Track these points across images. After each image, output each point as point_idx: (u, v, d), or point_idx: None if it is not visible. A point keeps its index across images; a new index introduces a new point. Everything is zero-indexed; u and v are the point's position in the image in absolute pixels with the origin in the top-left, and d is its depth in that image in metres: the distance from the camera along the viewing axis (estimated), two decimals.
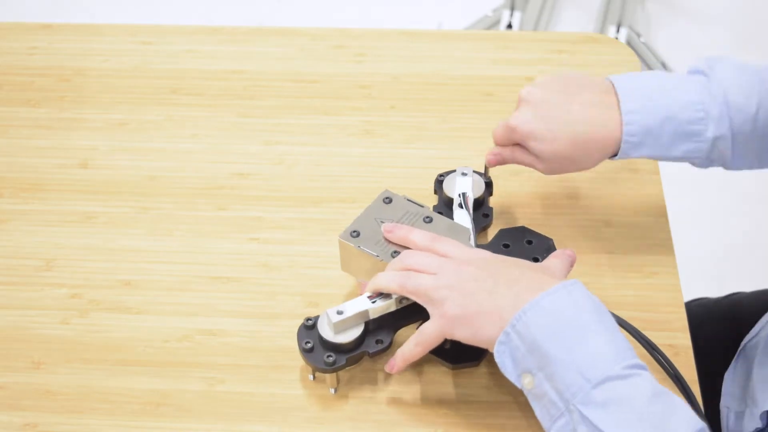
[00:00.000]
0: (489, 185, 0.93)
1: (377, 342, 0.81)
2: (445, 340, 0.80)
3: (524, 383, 0.73)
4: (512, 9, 2.37)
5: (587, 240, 0.94)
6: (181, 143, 1.05)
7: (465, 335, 0.76)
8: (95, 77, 1.13)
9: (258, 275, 0.92)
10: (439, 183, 0.93)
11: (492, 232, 0.91)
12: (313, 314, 0.87)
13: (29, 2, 2.57)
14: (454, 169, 0.93)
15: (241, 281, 0.91)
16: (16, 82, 1.12)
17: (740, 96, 0.85)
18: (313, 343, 0.80)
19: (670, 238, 0.94)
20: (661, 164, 1.01)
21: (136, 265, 0.93)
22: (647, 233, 0.94)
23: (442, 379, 0.84)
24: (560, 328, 0.72)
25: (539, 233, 0.89)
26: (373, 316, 0.81)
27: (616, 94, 0.86)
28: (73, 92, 1.11)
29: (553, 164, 0.88)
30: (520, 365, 0.73)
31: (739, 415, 0.93)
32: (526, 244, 0.88)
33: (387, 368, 0.80)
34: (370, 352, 0.80)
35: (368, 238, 0.84)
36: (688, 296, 0.93)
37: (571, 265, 0.83)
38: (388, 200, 0.87)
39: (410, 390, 0.83)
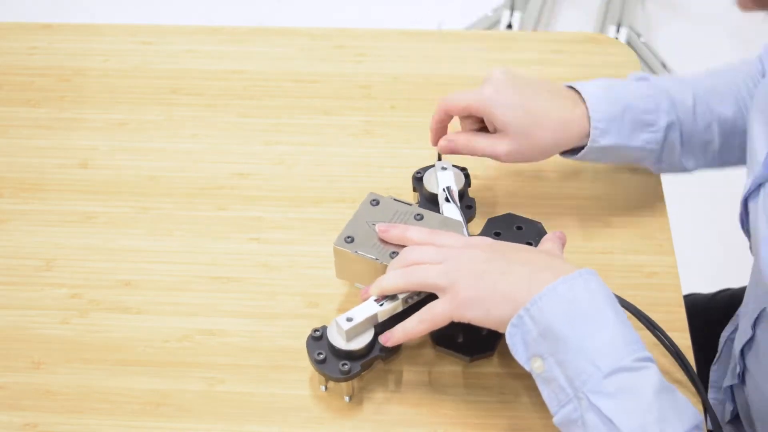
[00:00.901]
0: (467, 177, 0.93)
1: (379, 337, 0.80)
2: (458, 333, 0.80)
3: (534, 367, 0.73)
4: (512, 9, 2.37)
5: (587, 240, 0.94)
6: (181, 143, 1.05)
7: (477, 316, 0.75)
8: (95, 77, 1.13)
9: (258, 275, 0.92)
10: (418, 180, 0.93)
11: (477, 224, 0.91)
12: (313, 314, 0.87)
13: (29, 2, 2.57)
14: (429, 165, 0.93)
15: (241, 281, 0.91)
16: (16, 82, 1.12)
17: (678, 92, 0.92)
18: (325, 354, 0.79)
19: (670, 238, 0.94)
20: None
21: (136, 265, 0.93)
22: (647, 233, 0.94)
23: (442, 379, 0.84)
24: (575, 316, 0.72)
25: (527, 218, 0.89)
26: (381, 319, 0.80)
27: (575, 90, 0.90)
28: (73, 92, 1.11)
29: (518, 141, 0.88)
30: (530, 349, 0.73)
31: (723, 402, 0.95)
32: (516, 230, 0.88)
33: (382, 339, 0.79)
34: (383, 356, 0.80)
35: (363, 242, 0.84)
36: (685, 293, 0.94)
37: (563, 246, 0.83)
38: (375, 202, 0.87)
39: (410, 390, 0.83)
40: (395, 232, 0.84)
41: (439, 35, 1.19)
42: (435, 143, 0.92)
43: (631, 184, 0.99)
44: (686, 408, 0.71)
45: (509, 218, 0.89)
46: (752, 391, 0.89)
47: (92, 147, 1.04)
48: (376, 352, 0.80)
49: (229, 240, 0.95)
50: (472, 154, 0.91)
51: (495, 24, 2.38)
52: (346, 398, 0.81)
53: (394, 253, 0.83)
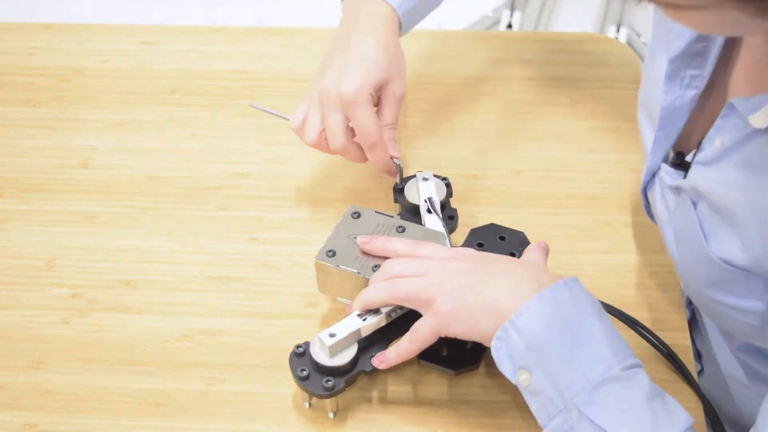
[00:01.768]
0: (448, 186, 0.92)
1: (372, 359, 0.79)
2: (443, 347, 0.80)
3: (520, 380, 0.73)
4: (512, 9, 2.37)
5: (587, 240, 0.94)
6: (181, 143, 1.05)
7: (461, 330, 0.75)
8: (95, 77, 1.13)
9: (258, 275, 0.92)
10: (399, 191, 0.92)
11: (460, 234, 0.90)
12: (313, 314, 0.87)
13: (29, 2, 2.57)
14: (410, 175, 0.93)
15: (241, 281, 0.91)
16: (16, 82, 1.12)
17: None
18: (308, 371, 0.78)
19: None
20: None
21: (136, 265, 0.93)
22: (647, 233, 0.94)
23: (440, 380, 0.83)
24: (562, 327, 0.72)
25: (509, 228, 0.88)
26: (365, 333, 0.80)
27: None
28: (73, 92, 1.11)
29: (396, 74, 0.92)
30: (517, 361, 0.72)
31: None
32: (499, 240, 0.88)
33: (375, 362, 0.79)
34: (367, 371, 0.79)
35: (345, 256, 0.84)
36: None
37: (547, 256, 0.83)
38: (356, 215, 0.87)
39: (409, 390, 0.83)
40: (377, 243, 0.83)
41: (439, 35, 1.19)
42: None
43: (631, 184, 0.99)
44: (678, 411, 0.71)
45: (492, 228, 0.88)
46: (710, 384, 0.90)
47: (92, 147, 1.04)
48: (360, 367, 0.79)
49: (229, 240, 0.95)
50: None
51: (495, 24, 2.38)
52: (331, 414, 0.80)
53: (376, 266, 0.82)
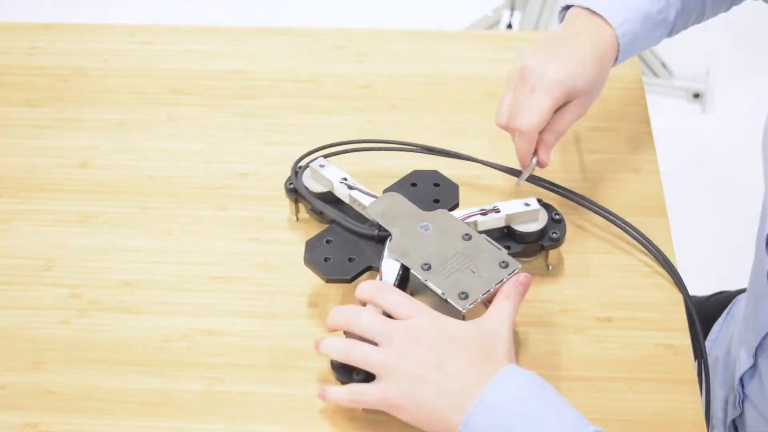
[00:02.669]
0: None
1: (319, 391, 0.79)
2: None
3: None
4: (512, 9, 2.36)
5: (587, 240, 0.94)
6: (181, 143, 1.05)
7: (406, 419, 0.75)
8: (95, 77, 1.13)
9: (258, 275, 0.92)
10: (292, 190, 0.93)
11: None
12: (313, 314, 0.88)
13: (29, 2, 2.57)
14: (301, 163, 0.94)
15: (241, 281, 0.91)
16: (16, 82, 1.12)
17: None
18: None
19: (670, 238, 0.94)
20: (661, 164, 1.01)
21: (136, 265, 0.93)
22: (647, 233, 0.94)
23: None
24: (510, 423, 0.71)
25: (449, 179, 0.92)
26: None
27: (599, 17, 0.92)
28: (73, 92, 1.11)
29: (591, 96, 0.91)
30: None
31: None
32: (434, 186, 0.91)
33: (318, 393, 0.79)
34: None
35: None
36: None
37: (521, 296, 0.80)
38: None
39: None
40: (341, 317, 0.79)
41: (439, 35, 1.19)
42: None
43: (631, 184, 0.99)
44: None
45: (432, 174, 0.93)
46: (754, 422, 0.88)
47: (92, 147, 1.04)
48: None
49: (229, 240, 0.95)
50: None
51: (495, 24, 2.38)
52: None
53: None
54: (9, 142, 1.05)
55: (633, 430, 0.79)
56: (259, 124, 1.06)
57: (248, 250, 0.94)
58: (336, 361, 0.79)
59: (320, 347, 0.79)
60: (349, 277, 0.84)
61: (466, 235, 0.84)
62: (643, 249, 0.92)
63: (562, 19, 0.95)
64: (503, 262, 0.82)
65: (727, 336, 1.00)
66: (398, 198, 0.88)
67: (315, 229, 0.92)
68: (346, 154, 0.96)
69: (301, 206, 0.95)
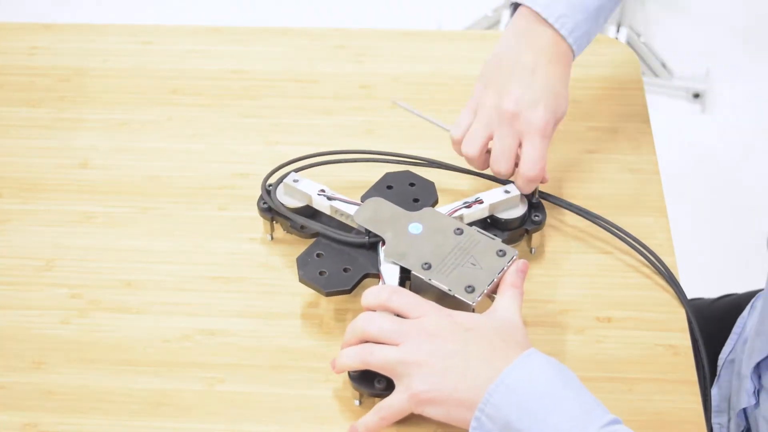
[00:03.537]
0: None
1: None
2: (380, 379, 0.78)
3: None
4: None
5: (587, 240, 0.94)
6: (181, 143, 1.05)
7: (437, 414, 0.75)
8: (95, 77, 1.13)
9: (258, 275, 0.92)
10: (267, 209, 0.93)
11: None
12: (313, 314, 0.88)
13: (30, 2, 2.57)
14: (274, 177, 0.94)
15: (241, 281, 0.91)
16: (16, 82, 1.12)
17: None
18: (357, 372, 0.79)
19: (670, 238, 0.94)
20: (661, 164, 1.01)
21: (136, 265, 0.93)
22: (647, 233, 0.94)
23: None
24: (528, 404, 0.71)
25: (423, 177, 0.92)
26: None
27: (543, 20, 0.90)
28: (73, 92, 1.11)
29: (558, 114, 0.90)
30: None
31: (727, 427, 0.94)
32: (409, 186, 0.92)
33: (350, 430, 0.78)
34: None
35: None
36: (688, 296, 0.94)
37: (523, 281, 0.81)
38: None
39: None
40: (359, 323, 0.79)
41: (439, 35, 1.19)
42: None
43: (631, 184, 0.99)
44: None
45: (406, 175, 0.93)
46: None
47: (92, 147, 1.04)
48: None
49: (229, 240, 0.95)
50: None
51: (495, 24, 2.38)
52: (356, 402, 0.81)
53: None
54: (9, 142, 1.05)
55: (633, 430, 0.79)
56: (259, 124, 1.06)
57: (248, 250, 0.94)
58: (354, 372, 0.79)
59: (336, 364, 0.78)
60: (348, 288, 0.84)
61: (458, 229, 0.85)
62: (643, 250, 0.92)
63: (512, 15, 0.95)
64: (500, 250, 0.83)
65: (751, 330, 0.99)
66: (382, 202, 0.88)
67: (298, 242, 0.92)
68: (314, 167, 0.95)
69: (276, 225, 0.93)
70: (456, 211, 0.88)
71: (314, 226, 0.88)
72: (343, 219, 0.89)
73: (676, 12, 2.47)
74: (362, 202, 0.89)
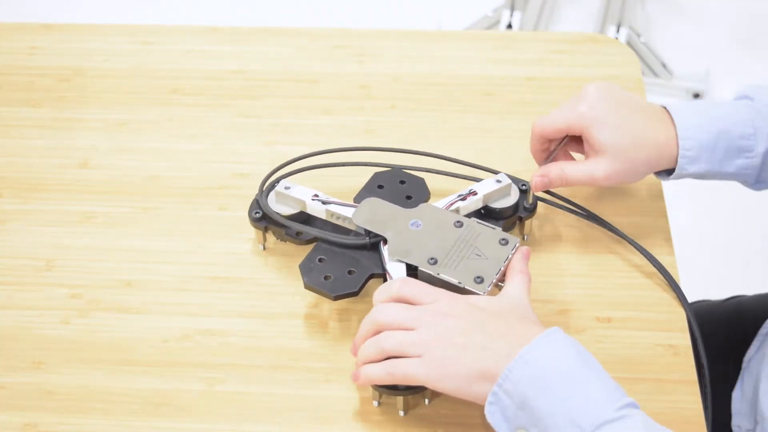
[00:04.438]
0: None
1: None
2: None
3: None
4: (512, 9, 2.37)
5: (587, 240, 0.94)
6: (181, 143, 1.05)
7: (451, 389, 0.74)
8: (95, 77, 1.13)
9: (258, 275, 0.92)
10: (259, 219, 0.92)
11: None
12: (313, 314, 0.88)
13: (29, 2, 2.57)
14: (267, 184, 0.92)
15: (241, 281, 0.91)
16: (16, 82, 1.12)
17: None
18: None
19: (670, 238, 0.94)
20: None
21: (136, 265, 0.93)
22: (647, 233, 0.94)
23: None
24: (548, 381, 0.71)
25: (412, 174, 0.93)
26: None
27: (668, 113, 0.89)
28: (73, 92, 1.11)
29: (617, 163, 0.87)
30: (512, 423, 0.72)
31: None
32: (400, 184, 0.92)
33: (353, 377, 0.78)
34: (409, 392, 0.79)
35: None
36: (689, 298, 0.94)
37: (528, 259, 0.82)
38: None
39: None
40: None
41: (439, 35, 1.19)
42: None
43: (631, 185, 0.99)
44: None
45: (395, 173, 0.93)
46: None
47: (92, 147, 1.04)
48: None
49: (229, 240, 0.95)
50: (566, 186, 0.90)
51: (495, 24, 2.38)
52: (401, 413, 0.81)
53: None
54: (9, 142, 1.05)
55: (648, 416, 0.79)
56: (259, 124, 1.06)
57: (248, 250, 0.94)
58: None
59: (360, 378, 0.78)
60: (356, 290, 0.84)
61: (458, 222, 0.85)
62: (643, 250, 0.92)
63: None
64: (503, 239, 0.84)
65: None
66: (378, 202, 0.88)
67: (293, 247, 0.92)
68: (301, 173, 0.95)
69: (267, 234, 0.93)
70: (452, 204, 0.89)
71: (312, 231, 0.88)
72: (339, 222, 0.89)
73: (676, 12, 2.47)
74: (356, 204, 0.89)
